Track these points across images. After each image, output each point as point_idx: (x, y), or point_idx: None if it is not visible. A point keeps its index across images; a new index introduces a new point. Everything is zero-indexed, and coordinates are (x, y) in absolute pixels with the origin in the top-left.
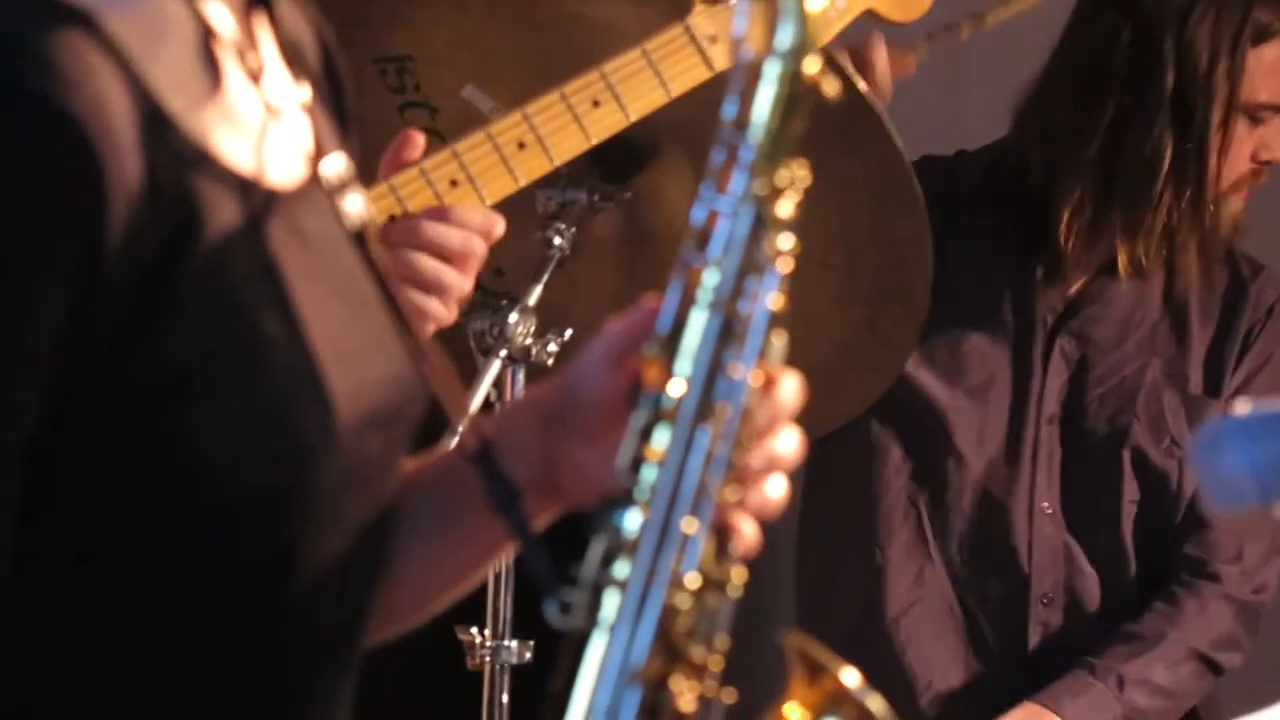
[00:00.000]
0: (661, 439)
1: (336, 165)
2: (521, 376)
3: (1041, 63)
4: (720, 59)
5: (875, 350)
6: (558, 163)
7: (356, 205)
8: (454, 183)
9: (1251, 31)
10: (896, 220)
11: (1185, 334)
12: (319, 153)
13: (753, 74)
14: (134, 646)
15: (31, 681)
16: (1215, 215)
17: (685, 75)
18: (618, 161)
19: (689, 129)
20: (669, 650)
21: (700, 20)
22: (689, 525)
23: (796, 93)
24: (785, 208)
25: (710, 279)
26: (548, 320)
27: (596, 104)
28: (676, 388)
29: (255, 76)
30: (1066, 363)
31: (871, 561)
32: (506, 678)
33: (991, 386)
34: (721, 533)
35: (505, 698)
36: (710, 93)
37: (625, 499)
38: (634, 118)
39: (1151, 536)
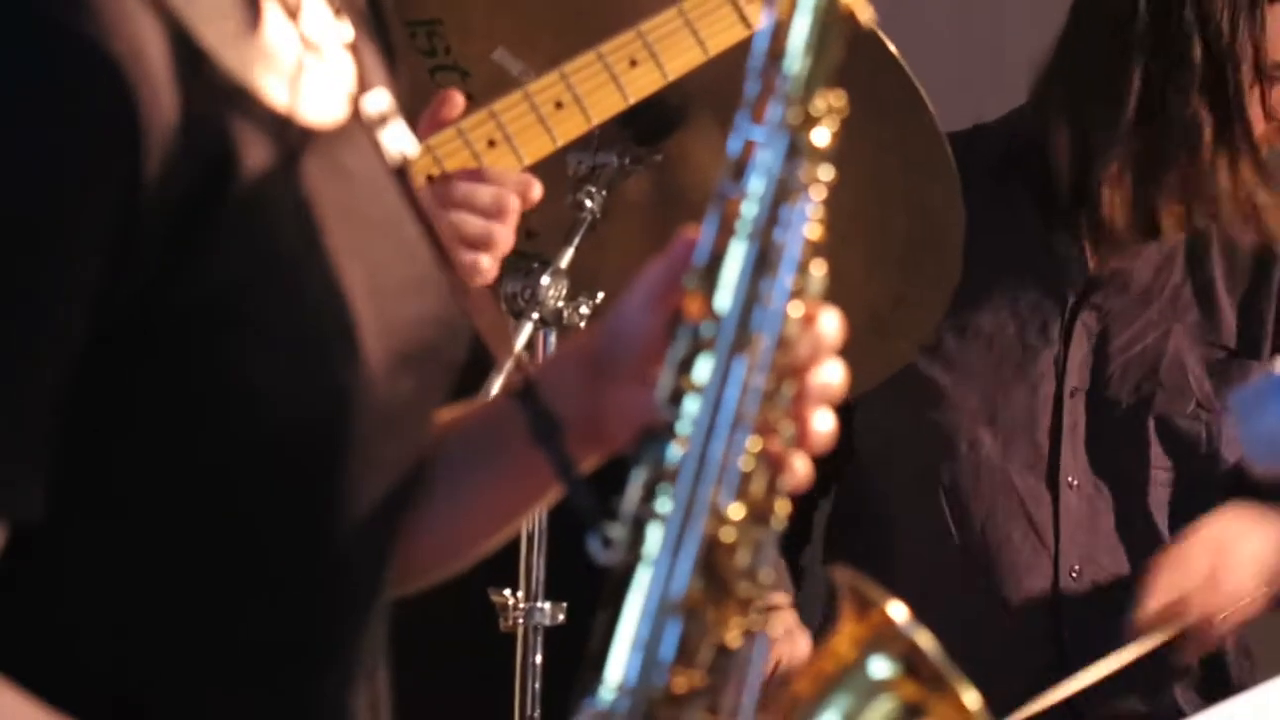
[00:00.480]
0: (700, 371)
1: (379, 102)
2: (553, 339)
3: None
4: (757, 17)
5: (905, 316)
6: (595, 122)
7: (399, 141)
8: (491, 143)
9: None
10: (929, 187)
11: (1211, 295)
12: (361, 89)
13: (788, 2)
14: (160, 587)
15: (57, 624)
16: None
17: (722, 34)
18: (649, 124)
19: (720, 92)
20: (713, 584)
21: None
22: (726, 456)
23: (832, 21)
24: (821, 136)
25: (748, 210)
26: (579, 283)
27: (634, 63)
28: (714, 319)
29: (294, 14)
30: (1088, 334)
31: (893, 550)
32: (539, 639)
33: (1002, 363)
34: (770, 466)
35: (538, 659)
36: (741, 55)
37: (665, 431)
38: (671, 77)
39: (1184, 505)
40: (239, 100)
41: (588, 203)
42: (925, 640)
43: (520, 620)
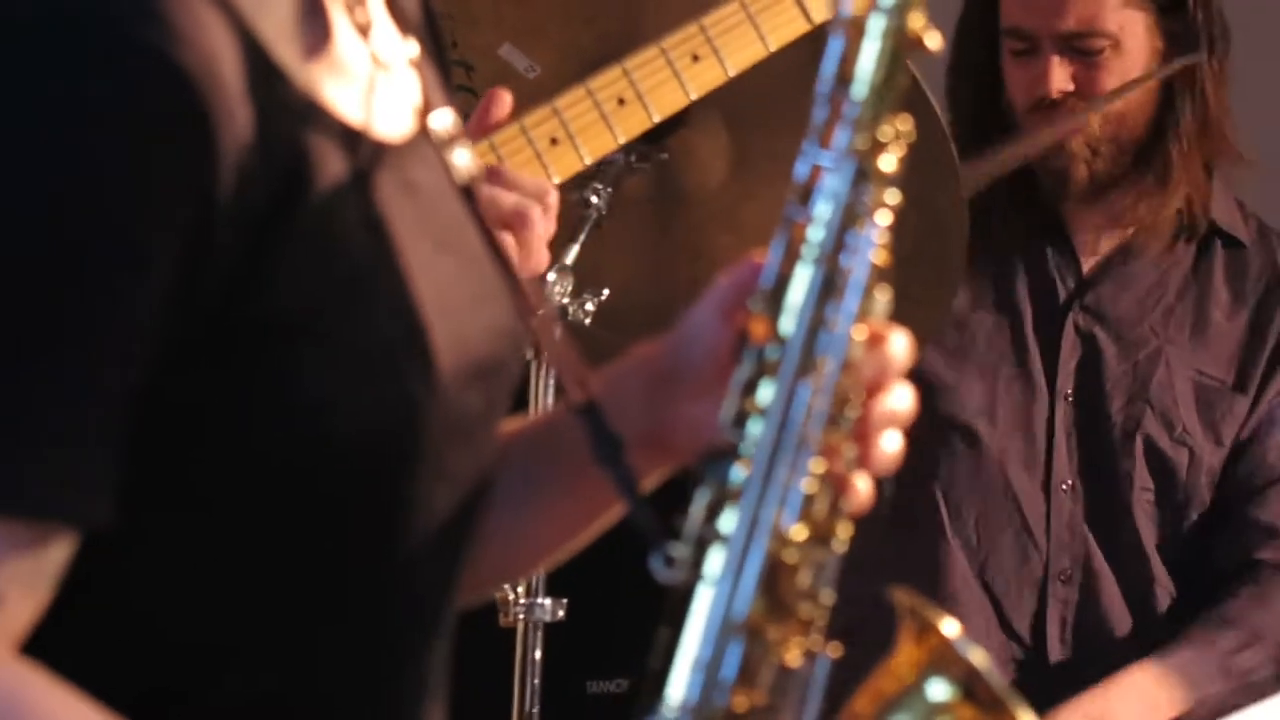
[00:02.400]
0: (764, 393)
1: (445, 119)
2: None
3: None
4: (818, 11)
5: (910, 313)
6: (657, 119)
7: (465, 159)
8: (554, 140)
9: None
10: (935, 187)
11: (1205, 323)
12: (427, 107)
13: (855, 29)
14: (231, 596)
15: (129, 631)
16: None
17: (783, 29)
18: None
19: (725, 90)
20: (774, 604)
21: None
22: (790, 478)
23: (900, 47)
24: (888, 162)
25: (814, 234)
26: (584, 280)
27: (696, 58)
28: (779, 342)
29: (364, 30)
30: (1081, 340)
31: (891, 546)
32: (539, 635)
33: (1001, 363)
34: (833, 487)
35: (538, 655)
36: None
37: (728, 452)
38: (733, 72)
39: (1164, 524)
40: (312, 116)
41: (593, 199)
42: (983, 662)
43: (520, 616)
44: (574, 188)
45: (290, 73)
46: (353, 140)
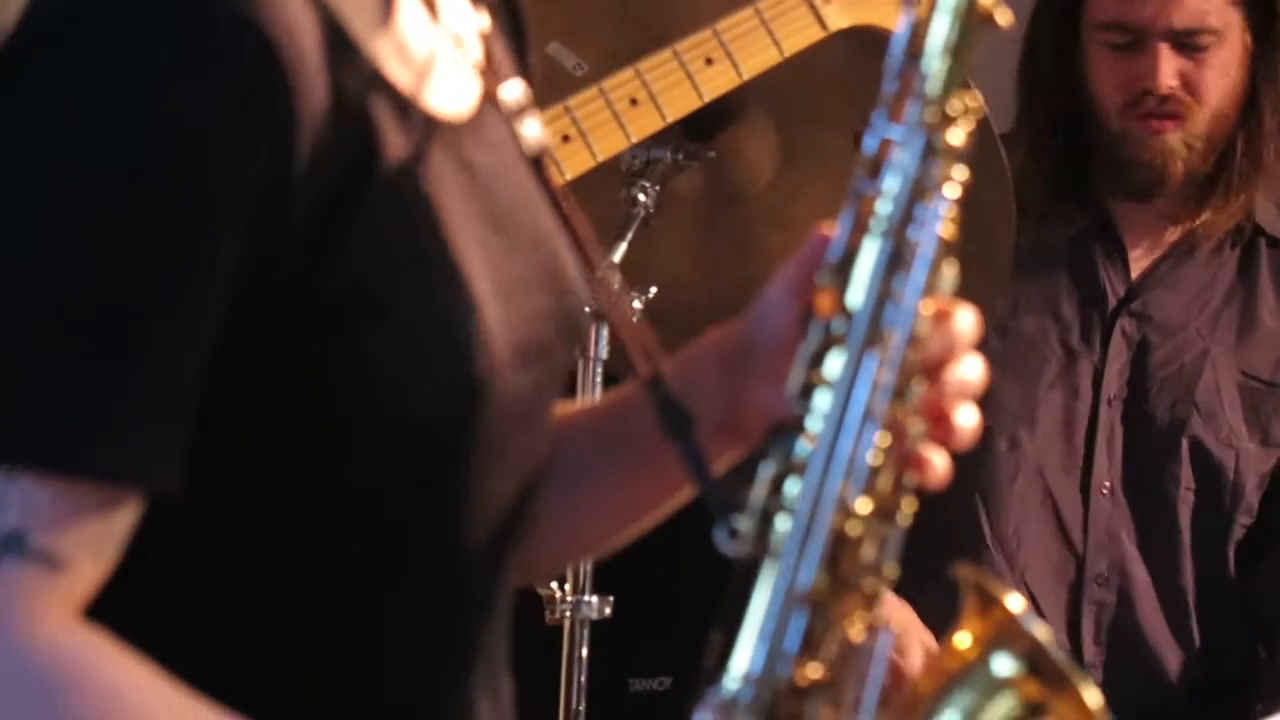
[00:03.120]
0: (831, 366)
1: (514, 91)
2: (605, 333)
3: None
4: (833, 19)
5: None
6: (669, 120)
7: (534, 131)
8: (566, 138)
9: None
10: (982, 186)
11: (1253, 324)
12: (496, 79)
13: (927, 3)
14: (288, 570)
15: (187, 603)
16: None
17: (798, 35)
18: (702, 119)
19: (773, 88)
20: (838, 578)
21: None
22: (855, 451)
23: (970, 22)
24: (956, 136)
25: (882, 207)
26: (631, 277)
27: (709, 61)
28: (846, 315)
29: (431, 3)
30: (1128, 343)
31: (921, 547)
32: (586, 633)
33: (1044, 366)
34: (900, 462)
35: (585, 652)
36: (800, 54)
37: (794, 425)
38: (746, 76)
39: (1206, 527)
40: (381, 91)
41: (641, 197)
42: (1047, 637)
43: (567, 613)
44: (621, 185)
45: (364, 47)
46: (410, 115)
